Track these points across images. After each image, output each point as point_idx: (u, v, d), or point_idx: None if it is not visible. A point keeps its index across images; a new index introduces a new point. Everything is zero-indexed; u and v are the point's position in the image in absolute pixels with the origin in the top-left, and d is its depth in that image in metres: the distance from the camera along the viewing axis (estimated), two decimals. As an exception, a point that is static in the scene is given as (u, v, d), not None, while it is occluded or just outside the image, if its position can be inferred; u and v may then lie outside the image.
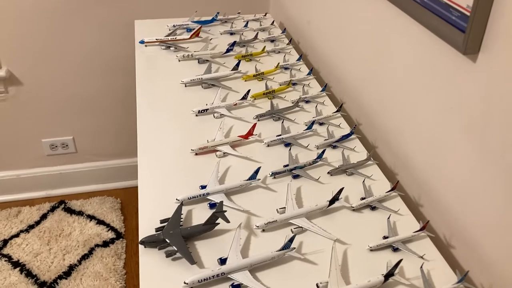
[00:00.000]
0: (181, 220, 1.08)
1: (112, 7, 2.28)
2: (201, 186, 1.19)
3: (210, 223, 1.06)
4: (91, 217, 2.55)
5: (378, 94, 1.44)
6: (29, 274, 2.23)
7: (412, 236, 1.08)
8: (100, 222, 2.53)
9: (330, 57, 1.77)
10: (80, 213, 2.57)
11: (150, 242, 1.03)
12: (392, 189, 1.20)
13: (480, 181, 1.01)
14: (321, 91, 1.63)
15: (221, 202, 1.09)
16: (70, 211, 2.59)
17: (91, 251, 2.35)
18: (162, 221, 1.08)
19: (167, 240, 1.02)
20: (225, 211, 1.07)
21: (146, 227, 1.08)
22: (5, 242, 2.38)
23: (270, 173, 1.25)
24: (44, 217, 2.55)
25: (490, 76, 0.94)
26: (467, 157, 1.04)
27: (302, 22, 2.03)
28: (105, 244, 2.40)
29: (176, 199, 1.13)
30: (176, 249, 1.00)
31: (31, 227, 2.48)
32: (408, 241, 1.08)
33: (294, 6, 2.11)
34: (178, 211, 1.09)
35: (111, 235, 2.45)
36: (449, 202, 1.12)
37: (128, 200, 2.71)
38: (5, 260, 2.29)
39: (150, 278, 0.98)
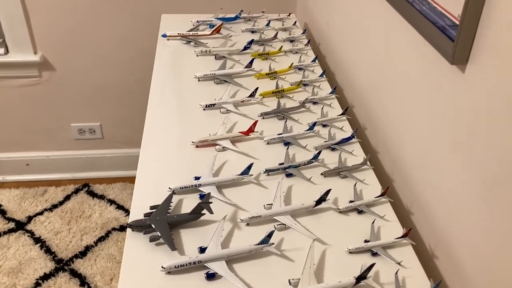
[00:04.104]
0: (170, 208, 1.13)
1: (142, 0, 2.36)
2: (195, 177, 1.23)
3: (196, 213, 1.10)
4: (111, 202, 2.65)
5: (382, 100, 1.43)
6: (48, 250, 2.35)
7: (393, 242, 1.08)
8: (120, 207, 2.63)
9: (345, 60, 1.78)
10: (101, 197, 2.68)
11: (137, 226, 1.08)
12: (381, 195, 1.20)
13: (464, 193, 1.00)
14: (330, 93, 1.64)
15: (209, 193, 1.13)
16: (92, 194, 2.70)
17: (107, 234, 2.45)
18: (151, 207, 1.13)
19: (152, 225, 1.07)
20: (211, 202, 1.11)
21: (137, 211, 1.13)
22: (30, 218, 2.52)
23: (264, 170, 1.27)
24: (67, 198, 2.67)
25: (477, 88, 0.93)
26: (453, 169, 1.03)
27: (322, 24, 2.04)
28: (122, 228, 2.50)
29: (169, 188, 1.18)
30: (159, 234, 1.05)
31: (54, 206, 2.61)
32: (389, 247, 1.08)
33: (317, 8, 2.12)
34: (168, 199, 1.14)
35: (128, 220, 2.54)
36: (436, 212, 1.12)
37: (148, 188, 2.79)
38: (28, 236, 2.41)
39: (133, 260, 1.03)
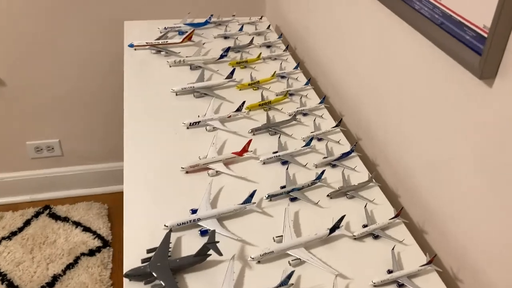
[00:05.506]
0: (170, 249, 1.00)
1: (100, 6, 2.18)
2: (191, 210, 1.11)
3: (201, 255, 0.98)
4: (77, 224, 2.45)
5: (380, 111, 1.36)
6: (10, 285, 2.13)
7: (419, 270, 1.00)
8: (86, 229, 2.43)
9: (328, 66, 1.69)
10: (65, 219, 2.47)
11: (136, 275, 0.94)
12: (395, 216, 1.13)
13: (491, 213, 0.94)
14: (319, 103, 1.55)
15: (213, 231, 1.01)
16: (55, 217, 2.49)
17: (76, 260, 2.26)
18: (149, 251, 0.99)
19: (153, 273, 0.94)
20: (218, 241, 0.99)
21: (132, 256, 0.99)
22: (-14, 250, 2.28)
23: (266, 196, 1.17)
24: (27, 223, 2.45)
25: (507, 103, 0.86)
26: (477, 188, 0.97)
27: (299, 27, 1.94)
28: (91, 252, 2.31)
29: (165, 225, 1.05)
30: (163, 284, 0.92)
31: (13, 234, 2.38)
32: (414, 275, 1.00)
33: (291, 10, 2.02)
34: (167, 239, 1.01)
35: (97, 243, 2.36)
36: (457, 233, 1.05)
37: (115, 206, 2.62)
38: (-15, 270, 2.19)
39: (135, 317, 0.90)
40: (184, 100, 1.55)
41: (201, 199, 1.14)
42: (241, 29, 1.99)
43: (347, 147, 1.37)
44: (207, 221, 1.07)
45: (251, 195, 1.12)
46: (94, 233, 2.42)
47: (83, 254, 2.29)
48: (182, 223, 1.06)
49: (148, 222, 1.08)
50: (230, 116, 1.45)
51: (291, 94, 1.60)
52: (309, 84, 1.65)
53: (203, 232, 1.06)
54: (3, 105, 2.34)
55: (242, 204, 1.12)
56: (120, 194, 2.63)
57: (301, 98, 1.57)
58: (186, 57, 1.74)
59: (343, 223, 1.10)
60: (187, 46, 1.85)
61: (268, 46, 1.91)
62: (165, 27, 1.94)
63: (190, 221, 1.07)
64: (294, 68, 1.74)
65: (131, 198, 1.15)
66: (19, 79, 2.29)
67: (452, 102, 1.02)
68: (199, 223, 1.07)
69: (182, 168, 1.23)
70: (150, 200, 1.15)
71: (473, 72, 0.90)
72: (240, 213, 1.12)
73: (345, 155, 1.32)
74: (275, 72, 1.68)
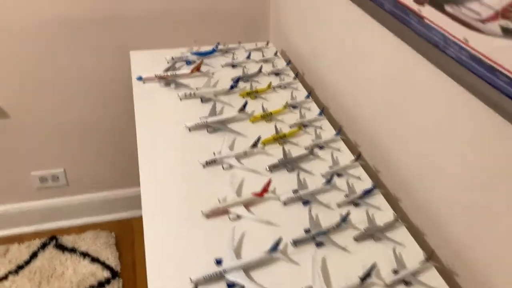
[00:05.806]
0: (198, 306, 0.97)
1: (104, 35, 2.15)
2: (216, 260, 1.08)
3: (232, 312, 0.95)
4: (84, 254, 2.41)
5: (400, 145, 1.33)
6: (19, 322, 2.09)
7: (455, 320, 0.98)
8: (95, 259, 2.39)
9: (340, 93, 1.66)
10: (73, 250, 2.43)
11: (165, 337, 0.91)
12: (427, 259, 1.10)
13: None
14: (335, 134, 1.52)
15: None
16: (62, 248, 2.45)
17: (86, 293, 2.22)
18: (176, 309, 0.96)
19: (184, 335, 0.90)
20: (248, 298, 0.96)
21: (159, 315, 0.96)
22: (-7, 285, 2.24)
23: (291, 242, 1.13)
24: (34, 255, 2.40)
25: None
26: (515, 234, 0.94)
27: (306, 52, 1.92)
28: (101, 285, 2.27)
29: (190, 280, 1.02)
30: None
31: (20, 267, 2.33)
32: (450, 325, 0.98)
33: (297, 35, 2.00)
34: (194, 295, 0.98)
35: (106, 274, 2.32)
36: (494, 279, 1.02)
37: (123, 234, 2.58)
38: (-7, 307, 2.15)
39: None
40: (198, 135, 1.51)
41: (224, 246, 1.11)
42: (248, 57, 1.96)
43: (368, 182, 1.35)
44: (233, 273, 1.04)
45: (277, 243, 1.09)
46: (102, 263, 2.38)
47: (92, 286, 2.25)
48: (208, 276, 1.02)
49: (173, 275, 1.04)
50: (246, 153, 1.42)
51: (304, 126, 1.57)
52: (323, 115, 1.62)
53: (230, 286, 1.02)
54: (7, 136, 2.30)
55: (268, 252, 1.09)
56: (126, 221, 2.63)
57: (315, 130, 1.55)
58: (197, 89, 1.72)
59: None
60: (196, 77, 1.83)
61: (277, 74, 1.88)
62: (172, 57, 1.91)
63: (216, 273, 1.03)
64: (305, 97, 1.72)
65: (153, 250, 1.11)
66: (22, 109, 2.25)
67: (485, 148, 0.99)
68: (225, 274, 1.04)
69: (202, 212, 1.20)
70: (172, 251, 1.11)
71: (507, 117, 0.87)
72: (265, 261, 1.09)
73: (367, 193, 1.29)
74: (287, 102, 1.65)
